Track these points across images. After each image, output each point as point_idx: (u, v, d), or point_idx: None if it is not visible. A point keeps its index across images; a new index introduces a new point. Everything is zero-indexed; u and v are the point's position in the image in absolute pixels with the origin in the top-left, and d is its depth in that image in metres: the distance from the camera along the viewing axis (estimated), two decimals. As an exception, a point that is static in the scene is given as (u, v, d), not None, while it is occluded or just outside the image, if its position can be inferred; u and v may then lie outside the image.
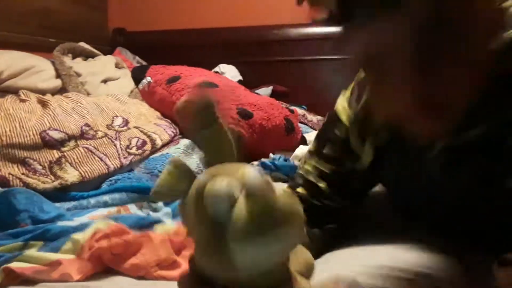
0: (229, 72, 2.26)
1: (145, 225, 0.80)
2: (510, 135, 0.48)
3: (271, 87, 2.23)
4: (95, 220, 0.79)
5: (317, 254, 0.63)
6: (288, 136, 1.48)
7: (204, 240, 0.38)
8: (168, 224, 0.83)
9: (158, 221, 0.84)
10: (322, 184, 0.68)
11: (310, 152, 0.72)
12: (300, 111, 2.05)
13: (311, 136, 1.73)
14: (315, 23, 2.42)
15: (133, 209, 0.95)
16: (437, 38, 0.44)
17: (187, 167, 0.42)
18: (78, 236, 0.70)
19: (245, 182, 0.37)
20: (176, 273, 0.67)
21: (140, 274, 0.66)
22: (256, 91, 2.01)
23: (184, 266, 0.67)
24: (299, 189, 0.70)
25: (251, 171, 0.37)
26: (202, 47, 2.45)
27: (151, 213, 0.96)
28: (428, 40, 0.44)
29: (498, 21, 0.48)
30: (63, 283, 0.63)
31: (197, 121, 0.43)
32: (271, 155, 1.31)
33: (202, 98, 0.44)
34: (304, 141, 1.58)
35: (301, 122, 1.93)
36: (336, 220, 0.70)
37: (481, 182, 0.54)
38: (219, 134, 0.43)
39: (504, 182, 0.51)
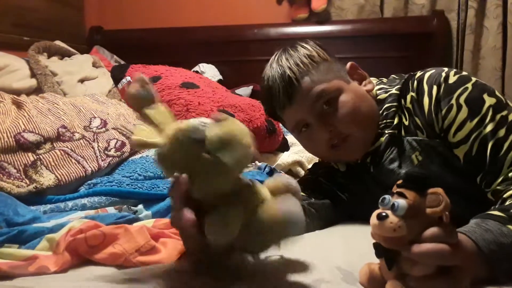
0: (209, 72, 2.24)
1: (123, 223, 0.80)
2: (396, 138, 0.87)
3: (251, 87, 2.22)
4: (71, 220, 0.78)
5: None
6: (270, 138, 1.47)
7: (189, 162, 0.55)
8: (146, 221, 0.82)
9: (136, 220, 0.83)
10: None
11: (307, 182, 1.01)
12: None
13: (292, 137, 1.73)
14: (295, 22, 2.43)
15: (112, 212, 0.93)
16: (327, 110, 0.86)
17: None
18: (53, 234, 0.71)
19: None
20: (156, 258, 0.66)
21: (119, 262, 0.66)
22: (236, 91, 2.00)
23: (164, 251, 0.68)
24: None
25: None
26: (182, 46, 2.43)
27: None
28: (322, 112, 0.85)
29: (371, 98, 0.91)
30: (40, 276, 0.62)
31: (138, 101, 0.60)
32: (257, 162, 1.30)
33: (138, 81, 0.61)
34: (285, 143, 1.58)
35: (282, 123, 1.93)
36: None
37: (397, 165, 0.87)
38: (159, 110, 0.60)
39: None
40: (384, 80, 0.96)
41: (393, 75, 0.96)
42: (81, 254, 0.67)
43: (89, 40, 2.48)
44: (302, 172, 1.38)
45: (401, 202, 0.54)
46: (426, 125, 0.83)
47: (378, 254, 0.57)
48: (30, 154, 1.04)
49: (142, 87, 0.61)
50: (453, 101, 0.78)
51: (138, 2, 2.60)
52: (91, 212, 0.90)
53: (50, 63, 1.69)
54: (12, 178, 0.97)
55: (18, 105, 1.20)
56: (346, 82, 0.89)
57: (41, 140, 1.08)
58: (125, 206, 0.95)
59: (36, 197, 0.97)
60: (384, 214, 0.54)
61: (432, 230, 0.53)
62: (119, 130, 1.29)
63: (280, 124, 1.84)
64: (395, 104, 0.87)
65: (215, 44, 2.42)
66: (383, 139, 0.87)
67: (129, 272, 0.63)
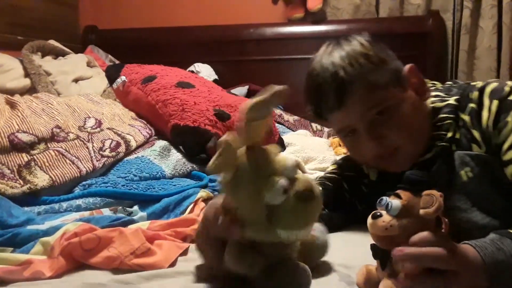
0: (205, 71, 2.24)
1: (118, 225, 0.79)
2: (446, 151, 0.80)
3: (247, 87, 2.22)
4: (65, 223, 0.77)
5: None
6: (266, 138, 1.47)
7: (253, 218, 0.57)
8: (141, 223, 0.82)
9: (131, 222, 0.82)
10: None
11: (332, 173, 1.00)
12: (276, 111, 2.05)
13: (288, 137, 1.72)
14: (290, 22, 2.43)
15: (106, 213, 0.92)
16: (380, 118, 0.77)
17: (235, 149, 0.57)
18: (48, 238, 0.70)
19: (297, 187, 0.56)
20: (151, 260, 0.66)
21: (115, 265, 0.66)
22: (232, 91, 2.00)
23: (159, 253, 0.68)
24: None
25: (291, 169, 0.58)
26: (177, 46, 2.42)
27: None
28: (372, 120, 0.77)
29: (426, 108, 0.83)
30: (35, 282, 0.62)
31: (261, 111, 0.57)
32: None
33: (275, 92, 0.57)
34: (281, 143, 1.57)
35: (278, 123, 1.92)
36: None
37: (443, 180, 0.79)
38: (263, 124, 0.59)
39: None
40: (439, 85, 0.89)
41: (449, 82, 0.89)
42: (76, 258, 0.67)
43: (84, 40, 2.47)
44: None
45: (394, 202, 0.55)
46: (483, 139, 0.76)
47: (374, 255, 0.58)
48: (24, 154, 1.03)
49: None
50: (509, 118, 0.73)
51: (133, 1, 2.59)
52: (86, 214, 0.90)
53: (44, 63, 1.68)
54: (6, 179, 0.96)
55: (12, 105, 1.18)
56: (402, 89, 0.80)
57: (35, 140, 1.07)
58: (121, 207, 0.94)
59: (30, 198, 0.96)
60: (378, 213, 0.55)
61: (421, 234, 0.54)
62: (114, 130, 1.28)
63: (276, 124, 1.84)
64: (451, 116, 0.80)
65: (210, 44, 2.41)
66: (432, 151, 0.81)
67: (124, 277, 0.62)
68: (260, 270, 0.57)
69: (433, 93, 0.85)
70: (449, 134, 0.80)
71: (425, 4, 2.27)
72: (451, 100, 0.82)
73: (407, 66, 0.83)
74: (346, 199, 0.94)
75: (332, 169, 1.01)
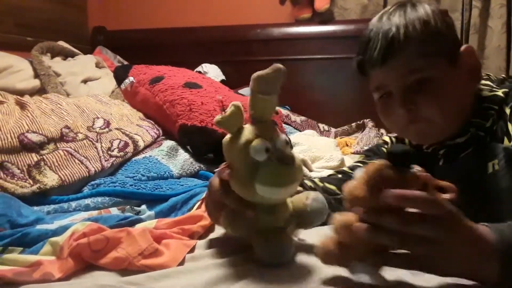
0: (212, 72, 2.24)
1: (126, 225, 0.80)
2: (480, 140, 0.79)
3: (254, 87, 2.22)
4: (74, 222, 0.78)
5: None
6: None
7: (240, 172, 0.64)
8: (148, 222, 0.82)
9: (139, 221, 0.83)
10: None
11: (358, 162, 0.99)
12: (283, 111, 2.05)
13: (295, 137, 1.72)
14: (298, 22, 2.43)
15: (115, 213, 0.93)
16: (419, 86, 0.76)
17: (240, 110, 0.66)
18: (57, 238, 0.70)
19: (275, 147, 0.64)
20: (159, 261, 0.66)
21: (123, 266, 0.66)
22: (239, 91, 2.00)
23: (167, 253, 0.68)
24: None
25: (281, 140, 0.65)
26: (184, 46, 2.43)
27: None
28: (410, 86, 0.76)
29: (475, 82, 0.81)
30: (44, 284, 0.62)
31: (264, 85, 0.64)
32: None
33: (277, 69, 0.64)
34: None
35: (285, 123, 1.93)
36: None
37: (470, 169, 0.79)
38: (269, 102, 0.66)
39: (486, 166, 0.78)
40: (493, 76, 0.87)
41: (503, 75, 0.88)
42: (85, 259, 0.67)
43: (92, 41, 2.49)
44: (306, 171, 1.38)
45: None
46: None
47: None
48: (33, 154, 1.04)
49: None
50: None
51: (141, 2, 2.60)
52: (94, 213, 0.90)
53: (54, 64, 1.69)
54: (15, 178, 0.97)
55: (22, 106, 1.20)
56: (452, 65, 0.78)
57: (44, 140, 1.08)
58: (128, 206, 0.95)
59: (40, 197, 0.97)
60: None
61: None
62: (122, 130, 1.29)
63: (283, 124, 1.84)
64: (495, 107, 0.79)
65: (218, 44, 2.42)
66: (465, 137, 0.79)
67: (133, 278, 0.63)
68: (248, 234, 0.67)
69: (484, 82, 0.83)
70: (488, 124, 0.78)
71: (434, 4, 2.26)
72: (499, 92, 0.80)
73: (465, 46, 0.80)
74: None
75: (360, 160, 1.00)
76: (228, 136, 0.67)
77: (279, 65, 0.64)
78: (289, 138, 0.69)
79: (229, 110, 0.65)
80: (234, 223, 0.67)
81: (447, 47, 0.78)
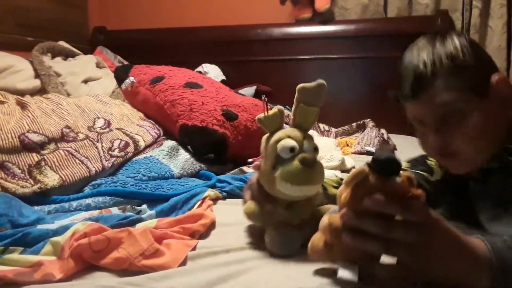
0: (212, 72, 2.24)
1: (127, 224, 0.80)
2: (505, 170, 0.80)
3: (254, 87, 2.22)
4: (75, 222, 0.78)
5: None
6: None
7: (267, 166, 0.72)
8: (149, 221, 0.82)
9: (140, 220, 0.83)
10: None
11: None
12: (285, 112, 2.05)
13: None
14: (298, 22, 2.43)
15: (115, 212, 0.93)
16: (449, 119, 0.78)
17: (282, 114, 0.74)
18: (57, 238, 0.70)
19: (302, 149, 0.70)
20: (160, 261, 0.66)
21: (124, 266, 0.66)
22: (240, 91, 2.00)
23: (168, 254, 0.68)
24: None
25: (310, 145, 0.71)
26: (185, 46, 2.43)
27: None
28: (440, 118, 0.79)
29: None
30: (45, 285, 0.62)
31: (308, 96, 0.72)
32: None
33: (321, 85, 0.72)
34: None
35: (286, 123, 1.92)
36: None
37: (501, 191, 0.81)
38: (310, 112, 0.73)
39: None
40: None
41: None
42: (86, 260, 0.67)
43: (93, 41, 2.49)
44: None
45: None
46: None
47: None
48: (34, 154, 1.04)
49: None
50: None
51: (141, 2, 2.60)
52: (95, 213, 0.90)
53: (54, 64, 1.70)
54: (16, 178, 0.97)
55: (22, 106, 1.20)
56: (481, 97, 0.78)
57: (45, 140, 1.08)
58: (129, 206, 0.95)
59: (41, 197, 0.97)
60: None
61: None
62: (122, 130, 1.29)
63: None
64: None
65: (218, 44, 2.42)
66: (498, 163, 0.80)
67: (134, 279, 0.63)
68: (264, 224, 0.74)
69: None
70: None
71: (434, 4, 2.26)
72: None
73: (496, 77, 0.81)
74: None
75: (404, 167, 1.00)
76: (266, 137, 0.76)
77: (322, 81, 0.72)
78: (317, 146, 0.74)
79: (272, 111, 0.74)
80: (254, 213, 0.74)
81: (474, 80, 0.79)
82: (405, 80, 0.82)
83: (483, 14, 2.16)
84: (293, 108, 0.73)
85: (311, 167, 0.69)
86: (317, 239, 0.62)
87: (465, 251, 0.55)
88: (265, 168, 0.72)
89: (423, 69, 0.79)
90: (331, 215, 0.60)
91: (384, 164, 0.55)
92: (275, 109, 0.74)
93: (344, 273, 0.57)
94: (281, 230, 0.71)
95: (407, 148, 1.79)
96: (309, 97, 0.71)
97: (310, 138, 0.73)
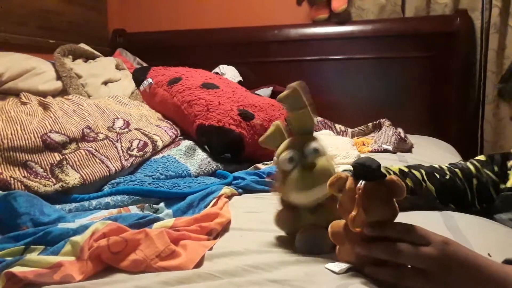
0: (229, 73, 2.26)
1: (144, 223, 0.81)
2: None
3: (271, 88, 2.23)
4: (94, 221, 0.79)
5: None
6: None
7: (280, 182, 0.73)
8: (166, 220, 0.83)
9: (157, 220, 0.84)
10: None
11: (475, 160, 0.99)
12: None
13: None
14: (315, 23, 2.42)
15: (134, 211, 0.95)
16: None
17: (282, 130, 0.75)
18: (77, 238, 0.71)
19: (302, 155, 0.71)
20: (176, 262, 0.67)
21: (141, 268, 0.66)
22: (256, 92, 2.01)
23: (184, 255, 0.69)
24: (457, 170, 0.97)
25: (309, 148, 0.71)
26: (202, 48, 2.45)
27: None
28: None
29: None
30: (65, 285, 0.62)
31: (289, 104, 0.72)
32: (275, 158, 1.30)
33: (293, 89, 0.70)
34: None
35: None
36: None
37: None
38: (300, 115, 0.72)
39: None
40: None
41: None
42: (105, 261, 0.68)
43: (112, 43, 2.53)
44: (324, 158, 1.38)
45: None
46: None
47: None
48: (56, 154, 1.07)
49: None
50: None
51: (159, 4, 2.63)
52: (114, 212, 0.92)
53: (75, 66, 1.73)
54: (39, 177, 1.00)
55: (45, 107, 1.23)
56: None
57: (66, 140, 1.11)
58: (147, 204, 0.96)
59: (62, 196, 0.99)
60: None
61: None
62: (141, 130, 1.32)
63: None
64: None
65: (235, 46, 2.43)
66: None
67: (146, 284, 0.62)
68: (291, 231, 0.75)
69: None
70: None
71: (453, 3, 2.23)
72: None
73: None
74: (461, 194, 0.93)
75: (473, 163, 0.98)
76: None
77: (293, 84, 0.71)
78: (320, 145, 0.73)
79: (269, 130, 0.76)
80: (280, 221, 0.76)
81: None
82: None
83: (503, 13, 2.12)
84: (285, 118, 0.74)
85: (309, 169, 0.69)
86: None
87: (493, 280, 0.53)
88: (279, 184, 0.74)
89: None
90: (333, 223, 0.65)
91: (359, 169, 0.59)
92: (272, 126, 0.75)
93: (331, 266, 0.62)
94: (308, 232, 0.71)
95: (425, 148, 1.78)
96: (290, 103, 0.71)
97: (311, 140, 0.73)
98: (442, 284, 0.53)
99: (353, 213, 0.57)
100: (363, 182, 0.58)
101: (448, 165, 0.99)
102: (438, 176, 0.95)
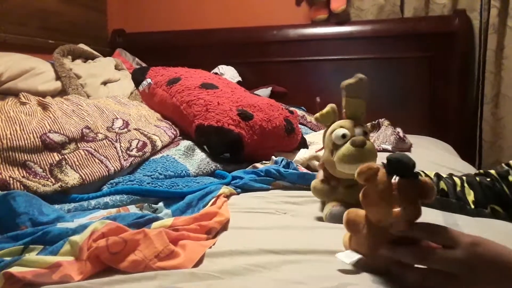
0: (228, 73, 2.26)
1: (143, 223, 0.81)
2: None
3: (270, 88, 2.23)
4: (93, 221, 0.79)
5: None
6: (289, 137, 1.48)
7: (327, 152, 0.87)
8: (165, 220, 0.83)
9: (156, 219, 0.84)
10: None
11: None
12: (299, 112, 2.05)
13: (311, 137, 1.73)
14: (314, 23, 2.43)
15: (133, 211, 0.95)
16: None
17: (334, 110, 0.88)
18: (76, 238, 0.70)
19: (353, 135, 0.84)
20: (175, 262, 0.67)
21: (140, 269, 0.66)
22: (255, 92, 2.01)
23: (183, 255, 0.69)
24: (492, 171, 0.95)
25: (359, 131, 0.84)
26: (201, 48, 2.45)
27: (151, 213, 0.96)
28: None
29: None
30: (64, 285, 0.62)
31: (352, 90, 0.85)
32: (273, 157, 1.30)
33: (361, 78, 0.84)
34: (304, 142, 1.58)
35: (300, 124, 1.93)
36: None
37: None
38: (355, 103, 0.86)
39: None
40: None
41: None
42: (104, 261, 0.67)
43: (112, 43, 2.53)
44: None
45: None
46: None
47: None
48: (55, 154, 1.07)
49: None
50: None
51: (159, 5, 2.64)
52: (113, 211, 0.92)
53: (74, 66, 1.73)
54: (38, 177, 1.00)
55: (44, 107, 1.23)
56: None
57: (66, 140, 1.11)
58: (146, 204, 0.97)
59: (61, 196, 0.99)
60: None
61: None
62: (140, 130, 1.32)
63: (299, 124, 1.84)
64: None
65: (234, 46, 2.44)
66: None
67: (147, 276, 0.63)
68: (325, 199, 0.90)
69: None
70: None
71: (451, 4, 2.24)
72: None
73: None
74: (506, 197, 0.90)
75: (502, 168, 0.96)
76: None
77: (361, 75, 0.84)
78: (368, 130, 0.87)
79: (325, 109, 0.88)
80: (316, 189, 0.91)
81: None
82: None
83: (502, 13, 2.13)
84: (343, 102, 0.86)
85: (361, 147, 0.81)
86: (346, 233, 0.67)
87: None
88: (326, 156, 0.87)
89: None
90: (350, 210, 0.64)
91: (394, 165, 0.57)
92: (328, 107, 0.88)
93: (342, 256, 0.61)
94: (338, 204, 0.84)
95: (424, 148, 1.78)
96: (351, 91, 0.84)
97: (361, 125, 0.85)
98: (469, 283, 0.53)
99: (398, 209, 0.55)
100: (397, 178, 0.56)
101: (484, 171, 0.97)
102: (478, 179, 0.93)
